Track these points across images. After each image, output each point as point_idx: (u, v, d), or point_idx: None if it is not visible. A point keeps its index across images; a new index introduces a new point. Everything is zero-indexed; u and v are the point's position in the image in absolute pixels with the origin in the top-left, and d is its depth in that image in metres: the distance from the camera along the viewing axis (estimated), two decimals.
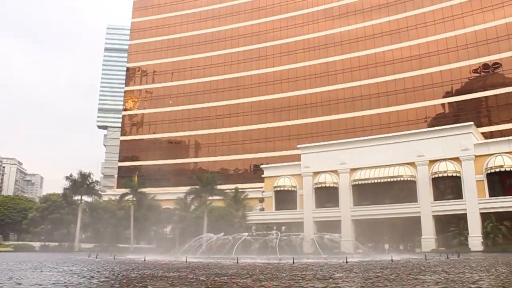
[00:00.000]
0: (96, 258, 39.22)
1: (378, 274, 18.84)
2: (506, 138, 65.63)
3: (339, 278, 16.82)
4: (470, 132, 64.44)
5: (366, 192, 69.86)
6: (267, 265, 28.49)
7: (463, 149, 62.89)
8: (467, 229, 59.78)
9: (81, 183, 75.94)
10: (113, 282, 15.60)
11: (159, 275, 18.71)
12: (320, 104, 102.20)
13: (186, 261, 32.74)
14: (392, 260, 33.22)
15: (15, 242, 73.79)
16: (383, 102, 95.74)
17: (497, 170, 60.80)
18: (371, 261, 34.29)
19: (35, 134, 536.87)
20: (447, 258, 37.23)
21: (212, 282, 15.41)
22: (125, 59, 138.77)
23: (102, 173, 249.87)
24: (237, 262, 31.33)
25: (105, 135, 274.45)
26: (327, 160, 72.60)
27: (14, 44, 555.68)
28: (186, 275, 18.18)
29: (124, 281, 16.14)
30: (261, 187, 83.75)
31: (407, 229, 70.03)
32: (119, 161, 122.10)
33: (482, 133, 75.08)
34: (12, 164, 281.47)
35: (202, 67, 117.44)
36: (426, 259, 35.36)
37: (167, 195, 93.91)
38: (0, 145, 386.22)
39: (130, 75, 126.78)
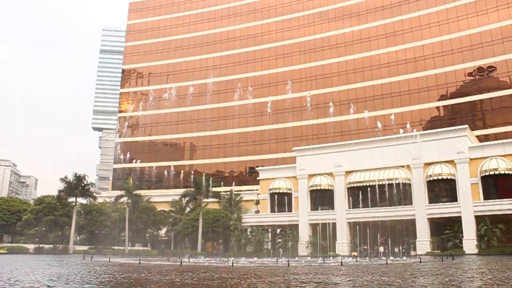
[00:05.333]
0: (91, 260, 38.94)
1: (374, 278, 18.84)
2: (501, 141, 65.86)
3: (337, 283, 16.80)
4: (465, 135, 64.69)
5: (361, 194, 69.94)
6: (261, 267, 28.42)
7: (458, 152, 63.10)
8: (461, 232, 59.95)
9: (76, 185, 75.58)
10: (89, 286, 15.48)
11: (145, 278, 18.58)
12: (315, 106, 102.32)
13: (181, 264, 32.63)
14: (387, 263, 33.22)
15: (9, 244, 73.23)
16: (378, 105, 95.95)
17: (492, 173, 61.07)
18: (367, 263, 34.27)
19: (29, 135, 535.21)
20: (442, 261, 37.28)
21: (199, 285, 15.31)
22: (121, 61, 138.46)
23: (97, 175, 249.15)
24: (232, 264, 31.24)
25: (100, 137, 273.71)
26: (323, 162, 72.67)
27: (10, 47, 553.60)
28: (174, 279, 18.06)
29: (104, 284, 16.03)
30: (257, 190, 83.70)
31: (402, 232, 70.17)
32: (114, 163, 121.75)
33: (477, 136, 75.37)
34: (6, 166, 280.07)
35: (198, 69, 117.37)
36: (420, 261, 35.39)
37: (162, 197, 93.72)
38: None
39: (126, 77, 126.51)
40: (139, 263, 33.57)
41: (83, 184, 76.57)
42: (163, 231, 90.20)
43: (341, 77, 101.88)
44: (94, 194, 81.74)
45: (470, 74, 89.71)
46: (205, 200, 78.12)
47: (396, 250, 67.03)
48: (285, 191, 76.31)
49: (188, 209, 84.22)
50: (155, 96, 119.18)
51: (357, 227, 68.73)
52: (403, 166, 67.08)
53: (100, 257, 46.83)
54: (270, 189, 77.23)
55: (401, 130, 75.16)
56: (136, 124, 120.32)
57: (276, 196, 76.96)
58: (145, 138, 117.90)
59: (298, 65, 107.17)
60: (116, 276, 19.67)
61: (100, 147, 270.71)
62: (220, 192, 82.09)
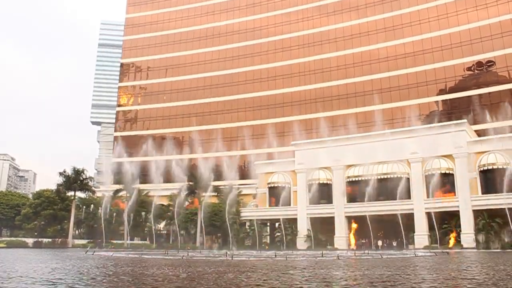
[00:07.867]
0: (93, 254, 38.95)
1: (369, 272, 18.92)
2: (499, 135, 65.98)
3: (334, 276, 16.87)
4: (464, 130, 64.78)
5: (359, 188, 70.10)
6: (259, 261, 28.48)
7: (456, 146, 63.22)
8: (459, 226, 60.12)
9: (74, 179, 75.54)
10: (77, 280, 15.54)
11: (140, 272, 18.62)
12: (314, 100, 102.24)
13: (182, 258, 32.70)
14: (381, 257, 33.32)
15: (8, 239, 73.26)
16: (377, 99, 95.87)
17: (490, 167, 61.23)
18: (364, 257, 34.38)
19: (28, 129, 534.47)
20: (436, 255, 37.40)
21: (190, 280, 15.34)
22: (119, 55, 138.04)
23: (96, 169, 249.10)
24: (232, 258, 31.30)
25: (98, 131, 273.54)
26: (321, 156, 72.72)
27: (9, 42, 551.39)
28: (167, 273, 18.11)
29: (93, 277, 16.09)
30: (255, 184, 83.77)
31: (401, 226, 70.46)
32: (113, 157, 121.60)
33: (476, 131, 75.46)
34: (4, 160, 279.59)
35: (196, 63, 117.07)
36: (415, 255, 35.51)
37: (161, 191, 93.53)
38: None
39: (124, 71, 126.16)
40: (140, 257, 33.69)
41: (81, 178, 76.54)
42: (161, 225, 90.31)
43: (340, 71, 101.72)
44: (93, 188, 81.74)
45: (469, 69, 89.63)
46: (204, 194, 78.16)
47: (394, 244, 67.36)
48: (283, 185, 76.40)
49: (187, 203, 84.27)
50: (154, 90, 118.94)
51: (356, 221, 68.97)
52: (401, 161, 67.16)
53: (101, 251, 46.90)
54: (268, 183, 77.34)
55: (400, 124, 75.21)
56: (135, 118, 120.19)
57: (274, 190, 77.09)
58: (143, 132, 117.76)
59: (297, 59, 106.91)
60: (118, 270, 19.71)
61: (98, 141, 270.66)
62: (219, 186, 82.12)
